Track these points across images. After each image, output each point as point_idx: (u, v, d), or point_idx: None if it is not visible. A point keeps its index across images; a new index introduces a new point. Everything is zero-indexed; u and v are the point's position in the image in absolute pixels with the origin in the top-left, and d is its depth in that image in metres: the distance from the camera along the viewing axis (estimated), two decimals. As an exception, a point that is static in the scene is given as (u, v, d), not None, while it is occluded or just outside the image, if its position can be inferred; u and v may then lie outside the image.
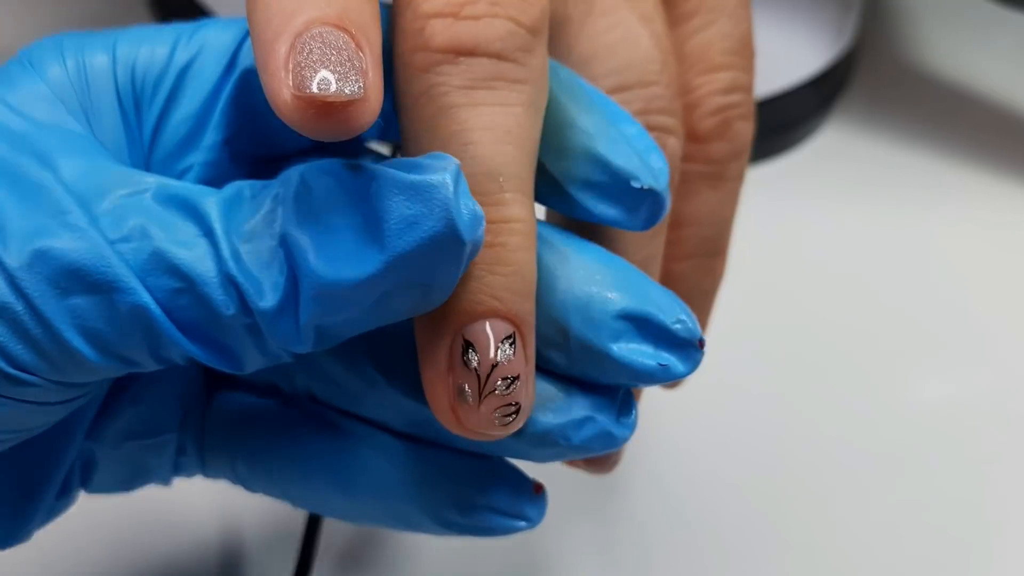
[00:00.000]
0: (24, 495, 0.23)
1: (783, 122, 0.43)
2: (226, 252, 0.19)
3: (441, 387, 0.20)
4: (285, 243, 0.18)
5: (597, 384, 0.22)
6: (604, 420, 0.21)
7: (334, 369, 0.23)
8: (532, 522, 0.23)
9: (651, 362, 0.21)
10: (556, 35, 0.24)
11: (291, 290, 0.19)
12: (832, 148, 0.44)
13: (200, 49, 0.21)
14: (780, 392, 0.36)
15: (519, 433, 0.21)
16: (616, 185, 0.22)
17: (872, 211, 0.41)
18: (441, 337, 0.19)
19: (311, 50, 0.17)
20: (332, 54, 0.17)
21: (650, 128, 0.23)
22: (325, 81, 0.17)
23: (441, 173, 0.18)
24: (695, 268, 0.28)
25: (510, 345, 0.20)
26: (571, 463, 0.26)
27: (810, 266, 0.40)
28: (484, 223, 0.19)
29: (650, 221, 0.22)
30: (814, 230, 0.41)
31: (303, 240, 0.18)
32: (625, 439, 0.22)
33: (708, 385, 0.33)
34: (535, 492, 0.23)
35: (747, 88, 0.28)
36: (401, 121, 0.20)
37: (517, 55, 0.20)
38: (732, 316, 0.32)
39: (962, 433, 0.35)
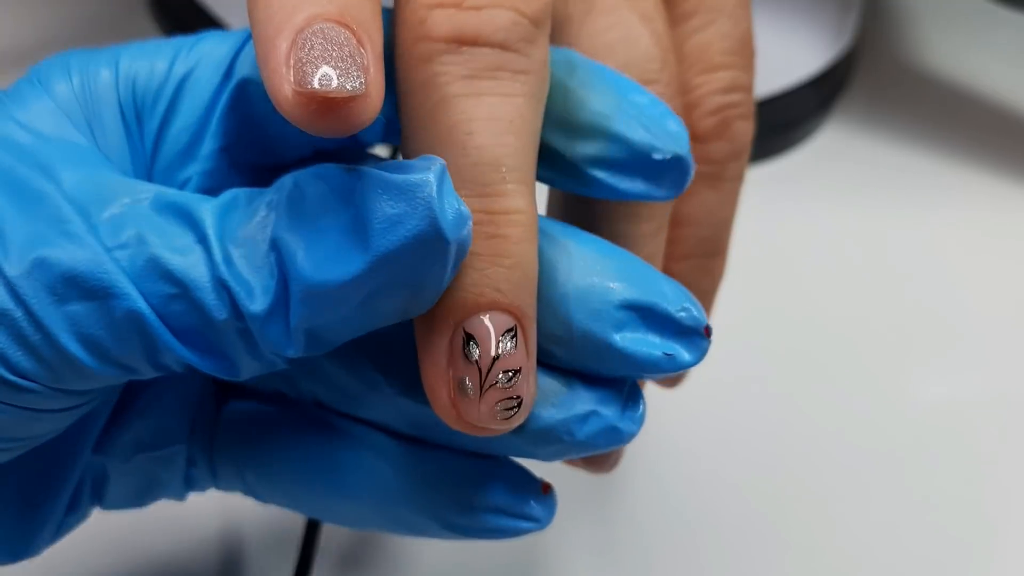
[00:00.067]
0: (31, 508, 0.23)
1: (783, 122, 0.43)
2: (218, 257, 0.19)
3: (441, 381, 0.20)
4: (276, 247, 0.19)
5: (602, 378, 0.21)
6: (609, 414, 0.21)
7: (337, 373, 0.23)
8: (540, 523, 0.23)
9: (656, 352, 0.21)
10: (556, 34, 0.24)
11: (282, 294, 0.19)
12: (832, 148, 0.44)
13: (198, 61, 0.21)
14: (780, 392, 0.36)
15: (521, 429, 0.21)
16: (637, 159, 0.22)
17: (872, 211, 0.41)
18: (441, 330, 0.19)
19: (312, 46, 0.17)
20: (333, 50, 0.17)
21: None
22: (326, 77, 0.17)
23: (425, 173, 0.18)
24: (694, 268, 0.28)
25: (511, 338, 0.19)
26: (571, 462, 0.26)
27: (810, 266, 0.40)
28: (470, 223, 0.19)
29: (678, 188, 0.22)
30: (814, 230, 0.41)
31: (293, 243, 0.18)
32: (632, 434, 0.22)
33: (708, 385, 0.33)
34: (543, 492, 0.23)
35: (747, 88, 0.28)
36: (402, 114, 0.20)
37: (520, 45, 0.20)
38: (732, 316, 0.32)
39: (962, 433, 0.35)
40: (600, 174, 0.22)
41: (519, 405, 0.20)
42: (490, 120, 0.19)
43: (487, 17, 0.20)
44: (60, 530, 0.24)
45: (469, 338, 0.19)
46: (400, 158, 0.21)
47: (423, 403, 0.20)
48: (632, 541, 0.33)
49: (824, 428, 0.35)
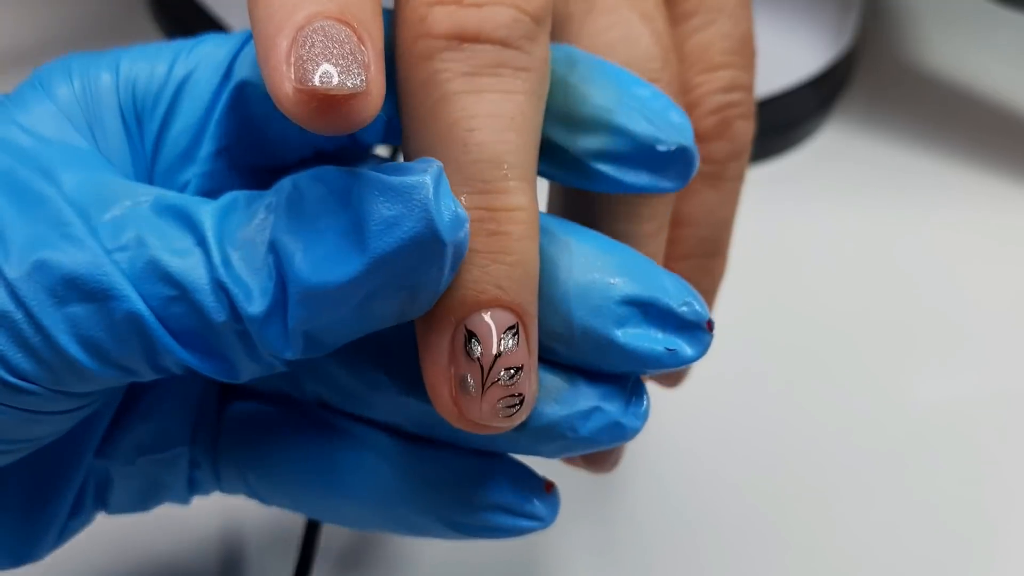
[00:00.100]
0: (33, 511, 0.23)
1: (783, 122, 0.43)
2: (217, 259, 0.19)
3: (443, 378, 0.20)
4: (274, 249, 0.19)
5: (604, 374, 0.21)
6: (612, 410, 0.21)
7: (340, 373, 0.23)
8: (544, 521, 0.23)
9: (658, 347, 0.21)
10: (557, 33, 0.24)
11: (280, 296, 0.19)
12: (832, 148, 0.44)
13: (198, 63, 0.21)
14: (780, 392, 0.36)
15: (524, 426, 0.21)
16: (641, 152, 0.22)
17: (872, 211, 0.41)
18: (443, 328, 0.19)
19: (313, 44, 0.17)
20: (334, 47, 0.17)
21: None
22: (327, 74, 0.17)
23: (421, 175, 0.18)
24: (694, 268, 0.28)
25: (513, 336, 0.19)
26: (571, 462, 0.26)
27: (810, 266, 0.40)
28: (467, 224, 0.19)
29: (682, 180, 0.22)
30: (814, 230, 0.41)
31: (291, 245, 0.18)
32: (636, 430, 0.21)
33: (709, 385, 0.33)
34: (546, 490, 0.23)
35: (747, 87, 0.28)
36: (402, 112, 0.20)
37: (521, 43, 0.20)
38: (732, 317, 0.32)
39: (962, 432, 0.35)
40: (604, 168, 0.22)
41: (521, 403, 0.20)
42: (491, 117, 0.19)
43: (488, 14, 0.20)
44: (63, 534, 0.24)
45: (470, 335, 0.19)
46: (401, 159, 0.21)
47: (426, 401, 0.20)
48: (632, 540, 0.33)
49: (824, 428, 0.35)
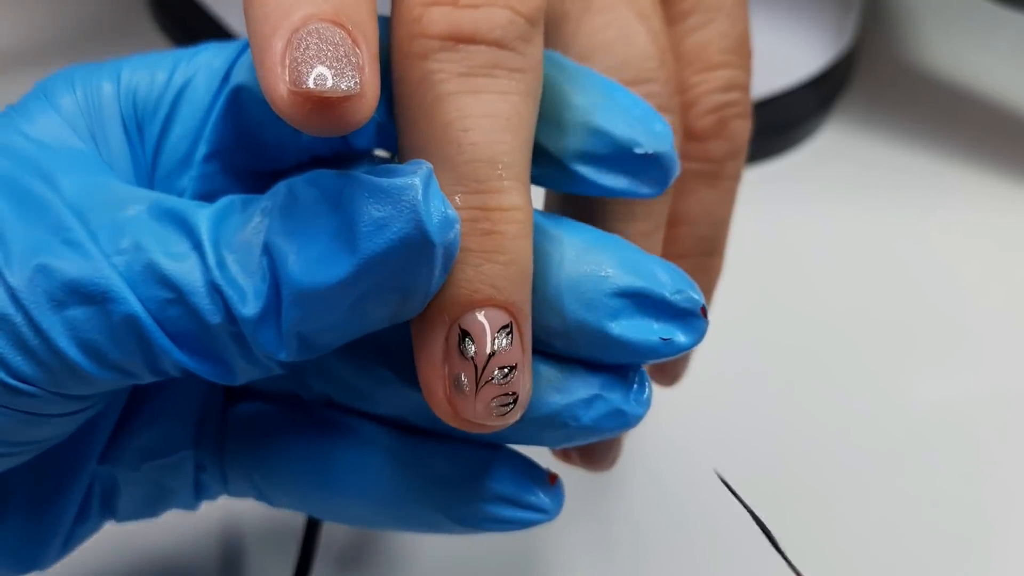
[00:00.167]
0: (38, 517, 0.23)
1: (783, 122, 0.43)
2: (212, 262, 0.19)
3: (437, 377, 0.20)
4: (268, 251, 0.19)
5: (604, 364, 0.21)
6: (614, 398, 0.21)
7: (345, 370, 0.23)
8: (549, 513, 0.23)
9: (653, 337, 0.21)
10: (553, 32, 0.24)
11: (274, 298, 0.19)
12: (832, 148, 0.44)
13: (197, 70, 0.22)
14: (779, 391, 0.36)
15: (526, 415, 0.21)
16: (619, 155, 0.22)
17: (872, 211, 0.41)
18: (437, 327, 0.19)
19: (307, 46, 0.17)
20: (328, 50, 0.17)
21: None
22: (321, 77, 0.17)
23: (410, 176, 0.18)
24: (691, 267, 0.28)
25: (507, 335, 0.19)
26: (569, 460, 0.26)
27: (810, 266, 0.40)
28: (458, 225, 0.19)
29: (660, 186, 0.22)
30: (814, 230, 0.41)
31: (284, 247, 0.19)
32: (639, 417, 0.22)
33: (708, 384, 0.33)
34: (550, 482, 0.23)
35: (744, 87, 0.28)
36: (398, 113, 0.20)
37: (516, 44, 0.20)
38: (731, 316, 0.32)
39: (962, 432, 0.35)
40: (584, 169, 0.22)
41: (515, 401, 0.20)
42: (486, 117, 0.19)
43: (484, 15, 0.20)
44: (69, 541, 0.24)
45: (464, 335, 0.19)
46: (396, 158, 0.21)
47: None
48: (630, 539, 0.33)
49: (824, 427, 0.35)
